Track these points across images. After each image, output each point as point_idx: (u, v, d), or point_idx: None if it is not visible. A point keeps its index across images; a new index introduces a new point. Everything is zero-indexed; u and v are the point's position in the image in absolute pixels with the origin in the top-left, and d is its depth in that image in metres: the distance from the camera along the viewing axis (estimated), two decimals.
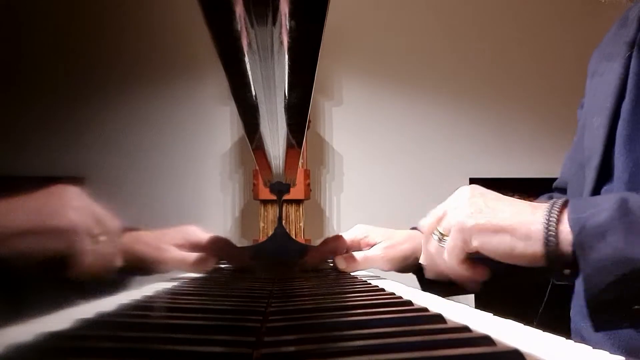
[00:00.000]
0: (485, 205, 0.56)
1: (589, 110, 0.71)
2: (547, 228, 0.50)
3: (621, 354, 0.26)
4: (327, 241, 0.83)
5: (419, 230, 0.76)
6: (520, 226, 0.52)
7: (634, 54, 0.64)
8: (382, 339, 0.28)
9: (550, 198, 0.89)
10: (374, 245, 0.80)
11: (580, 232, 0.48)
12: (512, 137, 2.31)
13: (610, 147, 0.63)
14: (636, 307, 0.47)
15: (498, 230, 0.54)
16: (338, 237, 0.82)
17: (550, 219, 0.51)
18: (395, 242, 0.79)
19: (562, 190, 0.85)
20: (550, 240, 0.50)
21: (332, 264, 0.82)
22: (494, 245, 0.54)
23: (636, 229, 0.46)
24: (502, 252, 0.54)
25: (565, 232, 0.50)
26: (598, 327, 0.50)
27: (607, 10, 0.72)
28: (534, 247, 0.51)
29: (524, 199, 0.90)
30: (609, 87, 0.66)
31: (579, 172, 0.70)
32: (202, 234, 0.73)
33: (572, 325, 0.67)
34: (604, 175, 0.64)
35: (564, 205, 0.52)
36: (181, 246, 0.70)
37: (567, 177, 0.80)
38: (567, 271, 0.51)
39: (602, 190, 0.64)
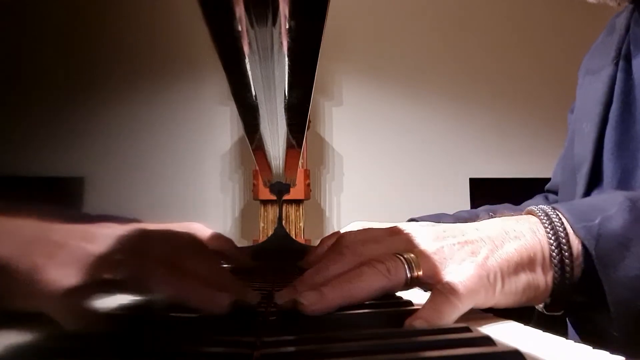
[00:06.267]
0: (467, 232, 0.41)
1: (578, 116, 0.72)
2: (558, 246, 0.39)
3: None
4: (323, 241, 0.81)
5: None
6: (536, 250, 0.39)
7: (621, 61, 0.65)
8: (382, 340, 0.28)
9: (546, 198, 0.89)
10: None
11: (597, 245, 0.37)
12: (512, 138, 2.31)
13: (600, 153, 0.64)
14: None
15: (518, 267, 0.39)
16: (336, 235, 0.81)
17: (558, 233, 0.39)
18: None
19: (555, 193, 0.85)
20: (566, 261, 0.38)
21: None
22: (518, 289, 0.39)
23: None
24: (527, 296, 0.39)
25: (576, 246, 0.39)
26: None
27: (604, 12, 0.73)
28: (548, 276, 0.39)
29: (524, 199, 0.88)
30: (597, 93, 0.66)
31: (570, 177, 0.70)
32: (205, 232, 0.63)
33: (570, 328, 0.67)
34: (595, 181, 0.64)
35: (557, 211, 0.41)
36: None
37: (559, 182, 0.81)
38: (579, 298, 0.40)
39: (592, 195, 0.64)
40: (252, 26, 0.32)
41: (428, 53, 2.32)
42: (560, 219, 0.40)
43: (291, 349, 0.27)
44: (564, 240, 0.39)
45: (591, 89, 0.69)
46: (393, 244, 0.41)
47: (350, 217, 2.17)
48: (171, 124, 2.19)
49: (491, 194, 2.21)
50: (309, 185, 1.95)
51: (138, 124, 2.18)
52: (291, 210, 1.89)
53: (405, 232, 0.42)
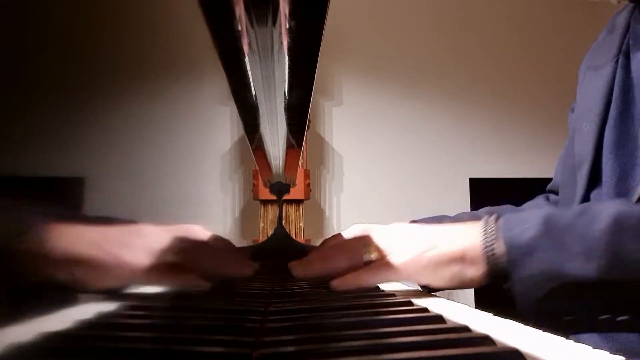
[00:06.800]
0: (420, 234, 0.54)
1: (578, 116, 0.72)
2: (485, 247, 0.50)
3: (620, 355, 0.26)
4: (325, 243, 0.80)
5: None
6: (468, 250, 0.51)
7: (620, 60, 0.65)
8: (382, 339, 0.28)
9: (547, 199, 0.89)
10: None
11: (510, 250, 0.49)
12: (512, 138, 2.31)
13: (600, 153, 0.63)
14: (567, 318, 0.49)
15: (450, 261, 0.51)
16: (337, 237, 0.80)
17: (488, 238, 0.50)
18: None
19: (556, 193, 0.85)
20: (491, 259, 0.50)
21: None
22: (445, 276, 0.52)
23: (561, 244, 0.47)
24: (457, 282, 0.52)
25: (500, 250, 0.50)
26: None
27: (604, 12, 0.73)
28: (481, 269, 0.50)
29: (524, 199, 0.89)
30: (597, 93, 0.66)
31: (571, 176, 0.70)
32: (206, 234, 0.62)
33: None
34: (595, 180, 0.64)
35: (497, 221, 0.52)
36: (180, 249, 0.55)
37: (559, 181, 0.80)
38: (507, 286, 0.50)
39: (592, 195, 0.64)
40: (252, 26, 0.32)
41: (428, 53, 2.32)
42: (493, 227, 0.51)
43: (290, 349, 0.27)
44: (491, 244, 0.50)
45: (591, 88, 0.69)
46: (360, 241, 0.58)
47: (350, 217, 2.17)
48: (171, 124, 2.19)
49: (491, 194, 2.21)
50: (309, 185, 1.95)
51: (138, 124, 2.18)
52: (291, 210, 1.89)
53: (371, 234, 0.58)
